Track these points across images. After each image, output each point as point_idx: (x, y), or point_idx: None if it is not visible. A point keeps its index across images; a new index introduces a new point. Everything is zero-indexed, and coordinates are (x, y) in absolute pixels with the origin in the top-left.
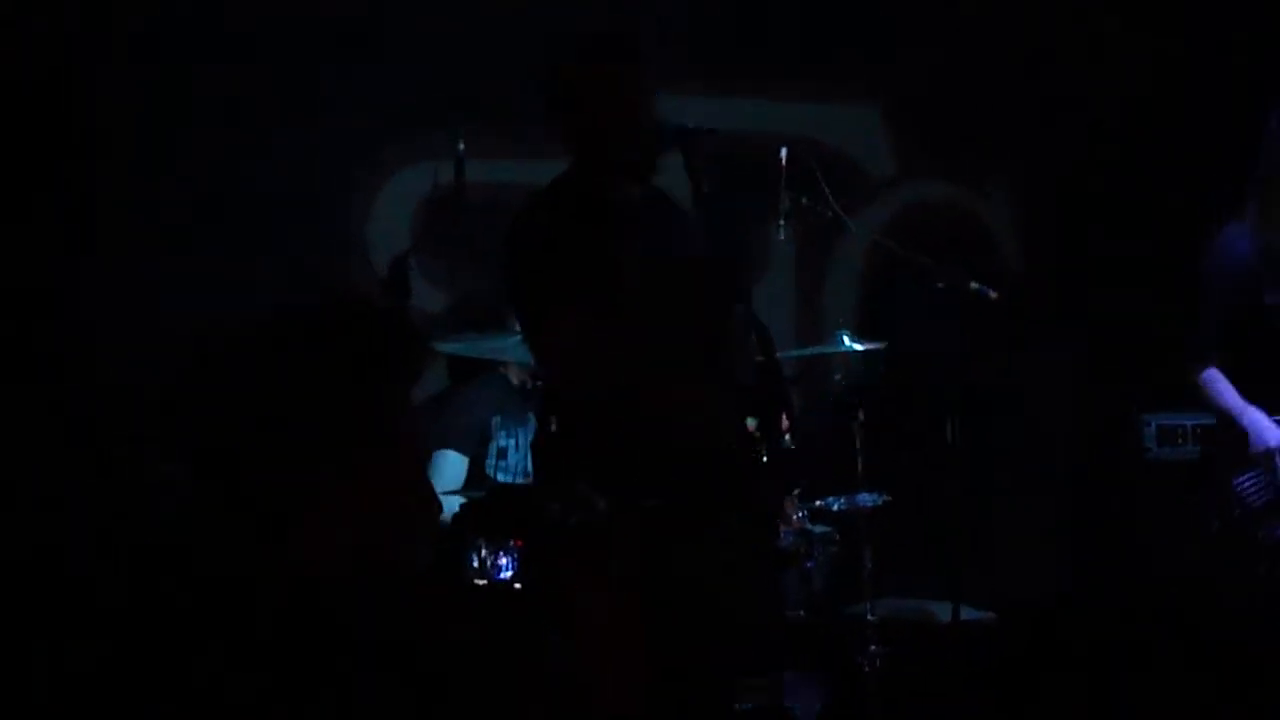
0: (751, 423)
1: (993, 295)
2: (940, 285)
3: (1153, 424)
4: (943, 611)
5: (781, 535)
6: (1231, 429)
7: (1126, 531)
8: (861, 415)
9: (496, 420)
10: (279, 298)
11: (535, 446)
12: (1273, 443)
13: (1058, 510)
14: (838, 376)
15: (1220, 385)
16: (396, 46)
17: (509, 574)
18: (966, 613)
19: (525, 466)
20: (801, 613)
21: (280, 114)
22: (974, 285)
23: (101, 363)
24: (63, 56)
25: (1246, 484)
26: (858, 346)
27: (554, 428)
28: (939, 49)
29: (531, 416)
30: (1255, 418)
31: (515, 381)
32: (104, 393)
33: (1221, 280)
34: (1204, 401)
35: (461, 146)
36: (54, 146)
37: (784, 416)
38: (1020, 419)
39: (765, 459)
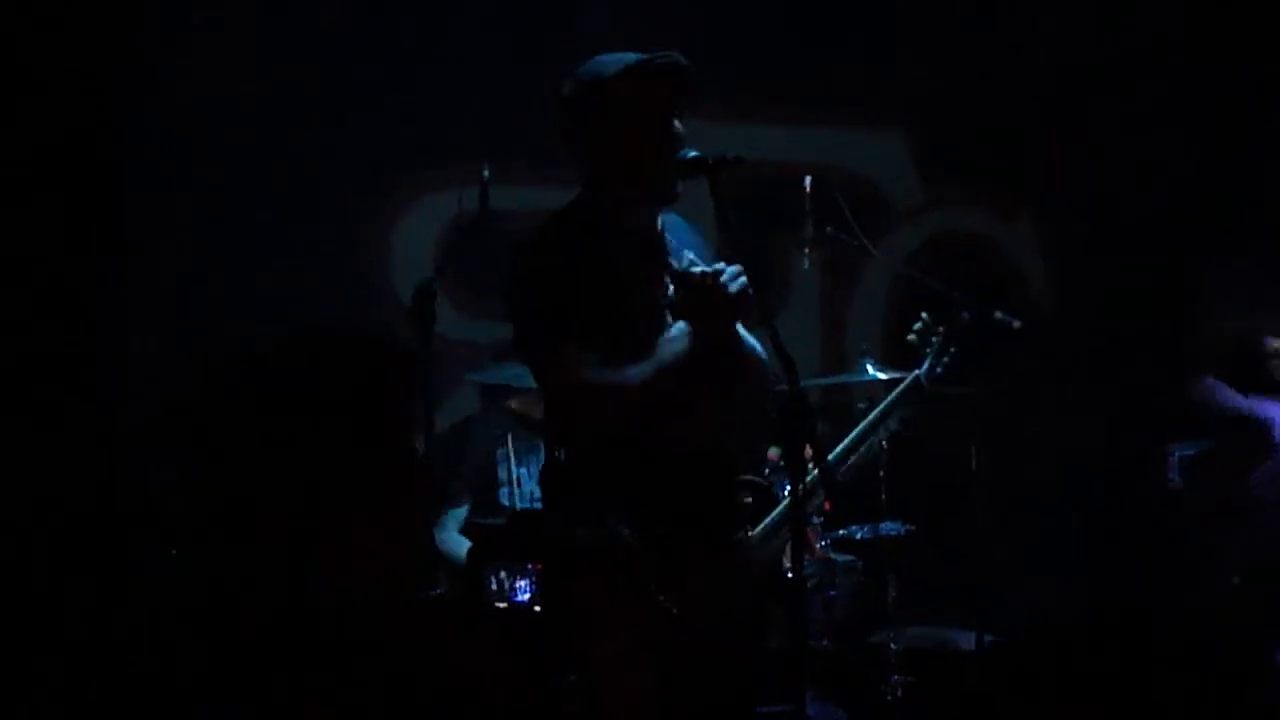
0: (775, 452)
1: (1016, 325)
2: (965, 315)
3: (1177, 455)
4: (966, 640)
5: (804, 564)
6: (1243, 427)
7: (1150, 560)
8: (885, 444)
9: (502, 452)
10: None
11: (543, 475)
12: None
13: (1081, 539)
14: (862, 405)
15: (1225, 389)
16: (424, 74)
17: (527, 596)
18: (990, 641)
19: (537, 494)
20: (825, 642)
21: (308, 141)
22: (998, 315)
23: (130, 377)
24: (99, 89)
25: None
26: (882, 375)
27: (561, 456)
28: (965, 76)
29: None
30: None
31: (515, 407)
32: (130, 404)
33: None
34: (1204, 404)
35: (487, 174)
36: (85, 171)
37: (808, 446)
38: (1044, 448)
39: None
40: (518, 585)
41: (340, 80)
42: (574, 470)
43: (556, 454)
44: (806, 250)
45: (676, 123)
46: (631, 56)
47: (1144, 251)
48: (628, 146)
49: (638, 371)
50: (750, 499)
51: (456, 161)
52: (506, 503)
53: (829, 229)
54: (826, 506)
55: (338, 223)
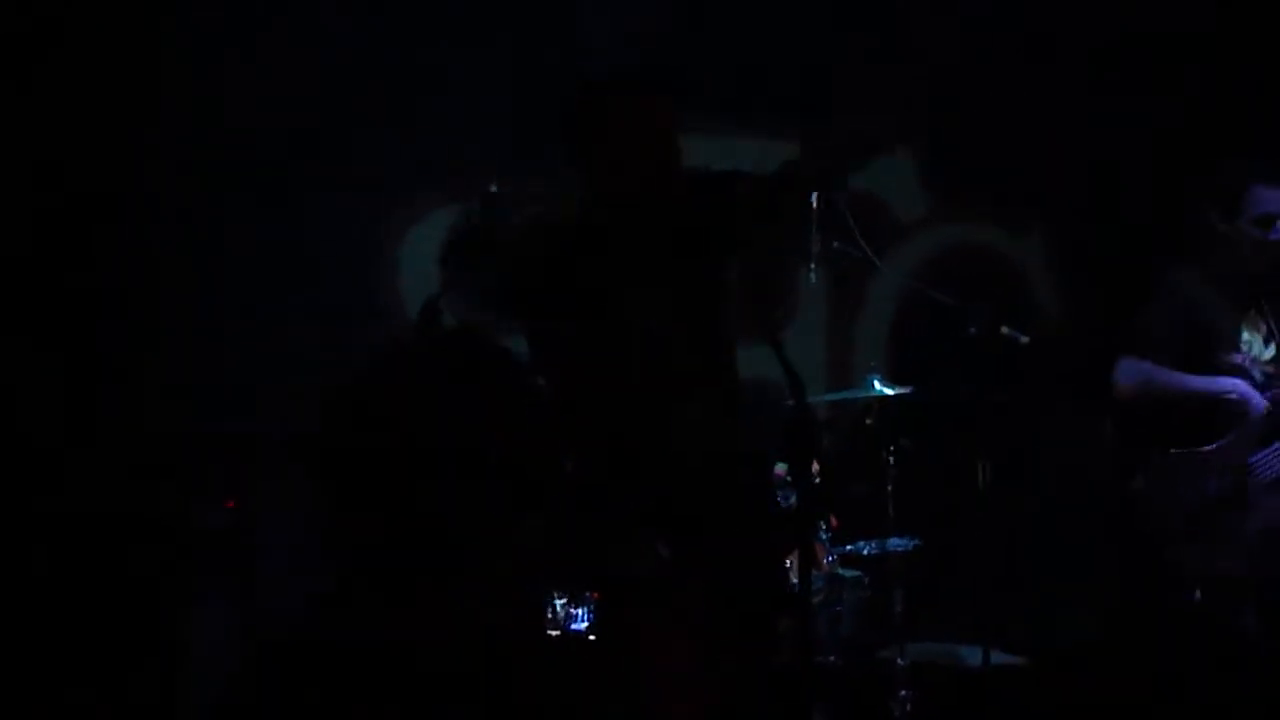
0: (782, 467)
1: (1024, 339)
2: (972, 329)
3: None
4: (973, 656)
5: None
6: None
7: (1159, 576)
8: (893, 459)
9: None
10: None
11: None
12: (1263, 403)
13: (1090, 555)
14: (869, 420)
15: (1174, 373)
16: (431, 89)
17: (584, 625)
18: (998, 658)
19: None
20: (832, 657)
21: (316, 156)
22: (1005, 329)
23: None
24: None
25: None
26: (889, 390)
27: (569, 467)
28: (971, 90)
29: None
30: (1238, 381)
31: None
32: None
33: (1175, 320)
34: (1153, 388)
35: (494, 189)
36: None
37: (814, 461)
38: (1052, 463)
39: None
40: (574, 613)
41: (347, 96)
42: (580, 479)
43: (565, 464)
44: (813, 265)
45: (671, 131)
46: (632, 72)
47: (1152, 265)
48: (629, 162)
49: None
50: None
51: (463, 177)
52: None
53: (835, 244)
54: (834, 523)
55: (345, 238)
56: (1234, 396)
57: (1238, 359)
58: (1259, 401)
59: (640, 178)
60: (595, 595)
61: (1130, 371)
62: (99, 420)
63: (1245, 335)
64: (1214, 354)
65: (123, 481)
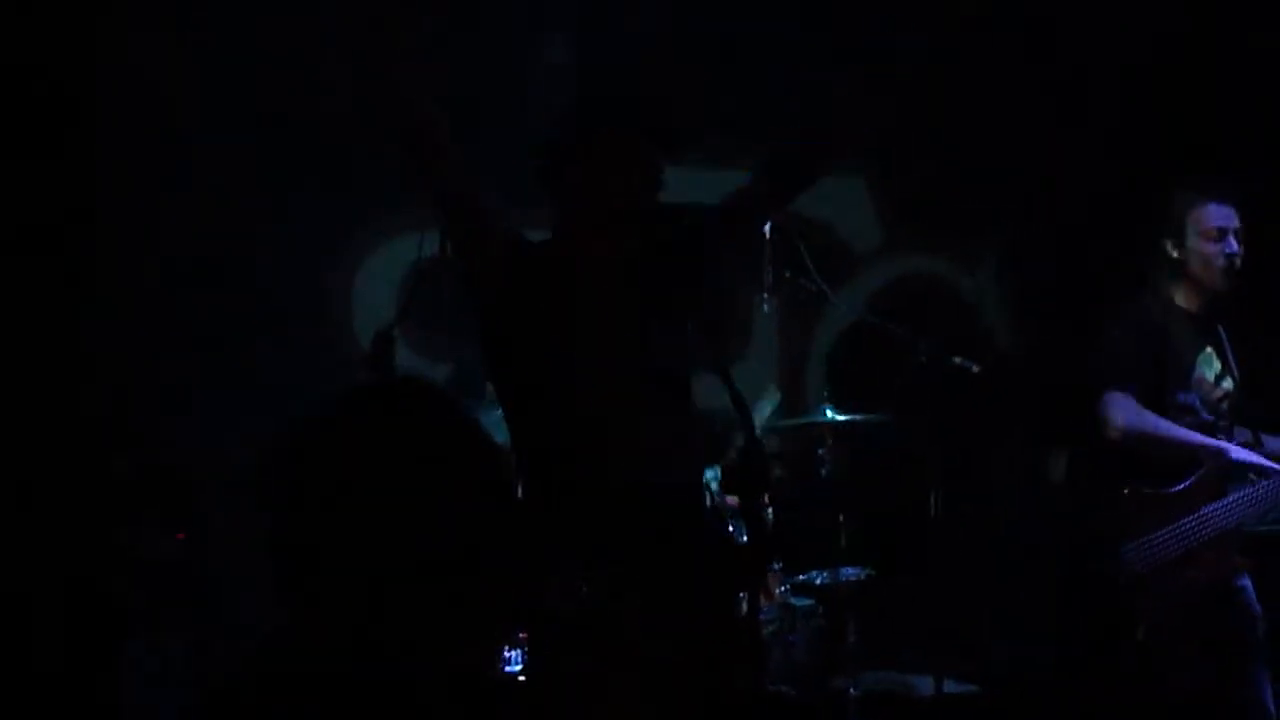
0: (732, 500)
1: (975, 369)
2: (923, 359)
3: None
4: (925, 686)
5: (763, 609)
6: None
7: (1112, 605)
8: (844, 489)
9: None
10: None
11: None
12: (1247, 456)
13: (1042, 584)
14: (821, 450)
15: (1164, 420)
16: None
17: (517, 668)
18: (950, 687)
19: None
20: (785, 687)
21: (269, 186)
22: (956, 359)
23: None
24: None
25: (1182, 527)
26: (841, 418)
27: (520, 494)
28: (923, 121)
29: None
30: (1217, 440)
31: None
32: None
33: (1123, 363)
34: (1144, 431)
35: None
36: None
37: (764, 493)
38: (1003, 492)
39: (746, 536)
40: (508, 656)
41: (303, 125)
42: (530, 505)
43: (517, 490)
44: (766, 295)
45: (654, 164)
46: (603, 102)
47: (1104, 293)
48: (604, 191)
49: None
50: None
51: (417, 207)
52: None
53: (788, 274)
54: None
55: (299, 268)
56: (1218, 460)
57: (1185, 399)
58: (1241, 454)
59: (618, 206)
60: (524, 635)
61: (1123, 408)
62: (49, 450)
63: (1201, 370)
64: (1166, 390)
65: (73, 511)
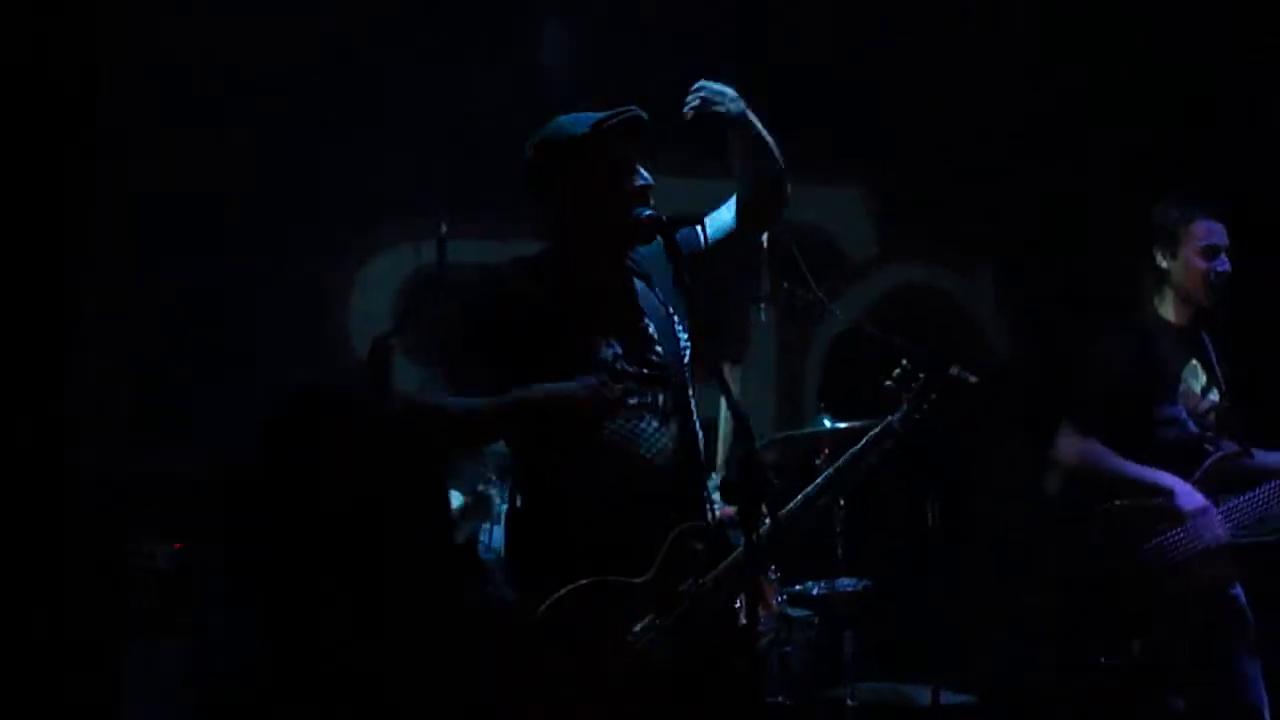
0: (730, 509)
1: (973, 379)
2: (920, 369)
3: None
4: (922, 696)
5: (760, 619)
6: (1144, 494)
7: (1109, 616)
8: (841, 500)
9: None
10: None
11: (507, 522)
12: (1200, 504)
13: (1039, 594)
14: (818, 460)
15: (1116, 458)
16: (383, 129)
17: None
18: (946, 697)
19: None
20: (781, 697)
21: (268, 195)
22: (953, 369)
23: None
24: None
25: (1170, 540)
26: (840, 425)
27: (519, 504)
28: (920, 131)
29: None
30: (1177, 480)
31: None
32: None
33: (1110, 376)
34: (1095, 469)
35: (444, 228)
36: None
37: (762, 503)
38: (1001, 503)
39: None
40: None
41: (301, 135)
42: (529, 516)
43: (516, 499)
44: (763, 305)
45: (644, 176)
46: (596, 115)
47: (1102, 304)
48: (597, 202)
49: (456, 403)
50: (700, 546)
51: (414, 217)
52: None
53: (785, 284)
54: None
55: (298, 277)
56: (1168, 501)
57: (1172, 412)
58: (1191, 502)
59: (612, 220)
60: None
61: (1072, 448)
62: (47, 458)
63: (1187, 383)
64: (1153, 403)
65: (70, 520)
